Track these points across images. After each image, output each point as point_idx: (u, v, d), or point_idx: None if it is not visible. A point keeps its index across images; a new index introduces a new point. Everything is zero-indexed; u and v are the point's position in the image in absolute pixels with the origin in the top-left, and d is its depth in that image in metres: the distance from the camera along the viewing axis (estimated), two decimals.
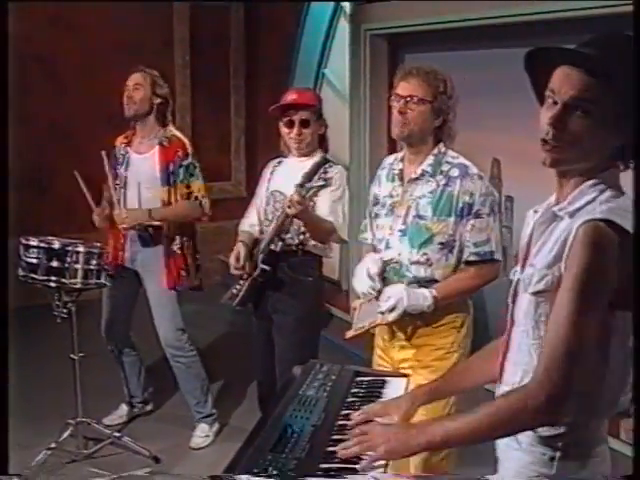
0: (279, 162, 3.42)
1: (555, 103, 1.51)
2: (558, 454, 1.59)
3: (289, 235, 3.22)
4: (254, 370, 3.59)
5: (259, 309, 3.36)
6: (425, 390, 1.92)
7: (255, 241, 3.35)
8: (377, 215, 2.76)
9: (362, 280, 2.70)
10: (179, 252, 3.79)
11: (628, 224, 1.45)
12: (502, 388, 1.69)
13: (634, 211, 1.46)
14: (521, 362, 1.63)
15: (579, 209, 1.52)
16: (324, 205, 3.19)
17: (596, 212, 1.48)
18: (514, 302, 1.69)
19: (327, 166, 3.23)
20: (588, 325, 1.47)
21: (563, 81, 1.51)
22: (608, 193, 1.53)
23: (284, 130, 3.28)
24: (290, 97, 3.29)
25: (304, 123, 3.23)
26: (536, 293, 1.58)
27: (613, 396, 1.58)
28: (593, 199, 1.52)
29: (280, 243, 3.21)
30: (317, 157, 3.29)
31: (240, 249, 3.29)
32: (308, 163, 3.26)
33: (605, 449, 1.64)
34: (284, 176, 3.32)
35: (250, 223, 3.43)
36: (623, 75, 1.46)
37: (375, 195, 2.80)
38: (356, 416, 1.80)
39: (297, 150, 3.30)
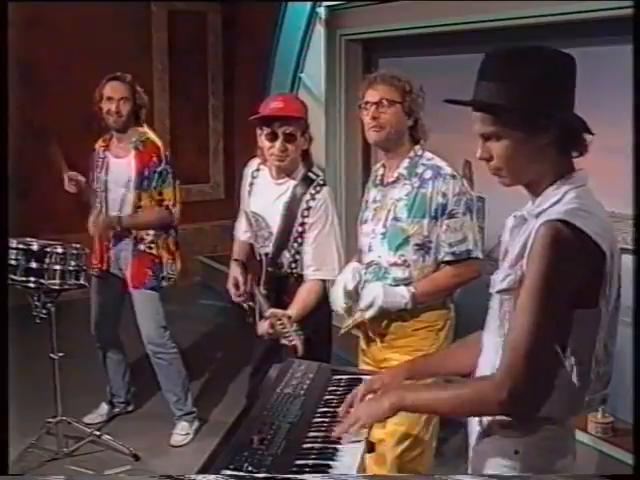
0: (257, 170, 3.10)
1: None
2: (522, 448, 1.62)
3: (284, 268, 2.98)
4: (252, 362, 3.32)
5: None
6: (405, 367, 1.98)
7: (250, 249, 3.18)
8: (365, 221, 2.80)
9: (338, 295, 2.74)
10: (147, 251, 3.79)
11: (587, 225, 1.48)
12: None
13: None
14: (489, 360, 1.67)
15: (544, 210, 1.55)
16: (309, 249, 2.91)
17: (554, 213, 1.50)
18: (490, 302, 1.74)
19: (310, 194, 2.91)
20: (549, 323, 1.50)
21: (474, 118, 1.60)
22: (573, 194, 1.55)
23: (264, 143, 2.86)
24: (274, 105, 2.84)
25: (289, 138, 2.82)
26: (500, 292, 1.62)
27: (580, 394, 1.59)
28: (558, 201, 1.55)
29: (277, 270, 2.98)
30: (297, 178, 2.94)
31: (236, 274, 3.11)
32: (286, 186, 2.95)
33: (571, 443, 1.68)
34: (262, 197, 3.04)
35: (243, 229, 3.21)
36: (526, 88, 1.52)
37: (364, 202, 2.85)
38: (344, 404, 1.87)
39: (277, 168, 2.93)
